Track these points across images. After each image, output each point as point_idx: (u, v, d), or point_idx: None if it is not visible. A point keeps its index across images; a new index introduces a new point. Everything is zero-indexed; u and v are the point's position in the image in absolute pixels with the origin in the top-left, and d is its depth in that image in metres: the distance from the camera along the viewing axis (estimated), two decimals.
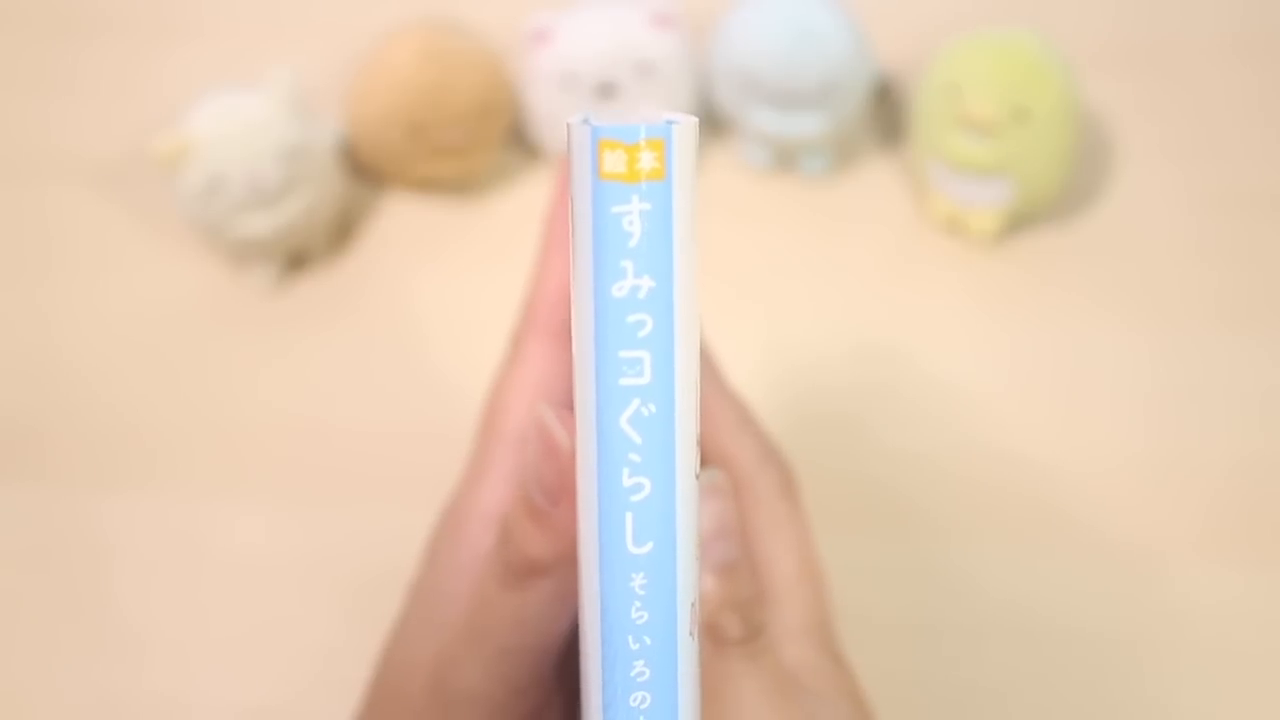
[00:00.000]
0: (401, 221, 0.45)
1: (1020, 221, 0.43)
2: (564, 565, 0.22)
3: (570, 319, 0.19)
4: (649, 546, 0.18)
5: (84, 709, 0.36)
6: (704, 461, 0.25)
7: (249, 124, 0.40)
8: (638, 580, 0.18)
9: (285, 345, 0.43)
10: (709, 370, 0.26)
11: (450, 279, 0.44)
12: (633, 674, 0.18)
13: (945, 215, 0.43)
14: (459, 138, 0.43)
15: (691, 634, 0.19)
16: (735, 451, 0.26)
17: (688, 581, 0.19)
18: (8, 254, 0.45)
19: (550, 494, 0.21)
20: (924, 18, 0.48)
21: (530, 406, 0.25)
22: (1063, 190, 0.43)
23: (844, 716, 0.24)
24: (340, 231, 0.45)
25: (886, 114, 0.46)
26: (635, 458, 0.18)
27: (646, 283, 0.17)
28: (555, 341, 0.26)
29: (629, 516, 0.18)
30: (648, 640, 0.18)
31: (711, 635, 0.22)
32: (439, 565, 0.26)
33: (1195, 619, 0.37)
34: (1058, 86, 0.41)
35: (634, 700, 0.19)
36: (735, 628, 0.23)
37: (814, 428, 0.39)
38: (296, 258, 0.44)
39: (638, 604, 0.18)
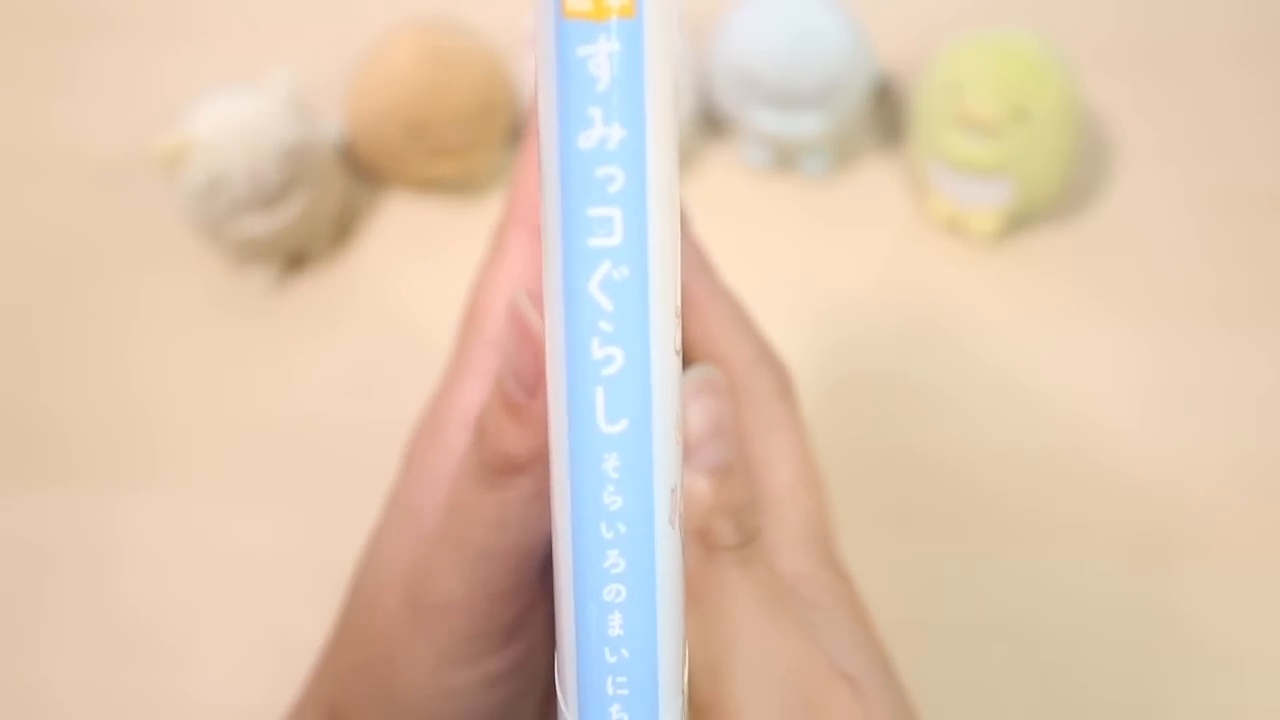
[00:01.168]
0: (401, 221, 0.45)
1: (1020, 221, 0.43)
2: (543, 461, 0.19)
3: None
4: (622, 425, 0.16)
5: (84, 709, 0.36)
6: (695, 362, 0.23)
7: (249, 124, 0.40)
8: (610, 462, 0.17)
9: (285, 345, 0.43)
10: (699, 265, 0.25)
11: (450, 279, 0.44)
12: (606, 565, 0.17)
13: (945, 215, 0.43)
14: (459, 137, 0.43)
15: (672, 523, 0.17)
16: (728, 350, 0.24)
17: (666, 464, 0.17)
18: (8, 254, 0.45)
19: (526, 385, 0.20)
20: (924, 18, 0.48)
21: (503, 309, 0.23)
22: (1063, 190, 0.43)
23: (843, 629, 0.23)
24: (340, 231, 0.45)
25: (886, 114, 0.46)
26: (606, 326, 0.16)
27: (616, 132, 0.16)
28: (538, 238, 0.23)
29: (599, 392, 0.16)
30: (622, 528, 0.17)
31: (703, 540, 0.21)
32: (415, 473, 0.25)
33: (1196, 617, 0.37)
34: (1058, 86, 0.41)
35: (608, 593, 0.17)
36: (729, 533, 0.21)
37: (813, 427, 0.39)
38: (296, 258, 0.44)
39: (611, 488, 0.17)
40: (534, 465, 0.21)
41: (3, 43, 0.50)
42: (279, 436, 0.41)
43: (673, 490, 0.17)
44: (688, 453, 0.19)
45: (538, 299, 0.19)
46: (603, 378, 0.16)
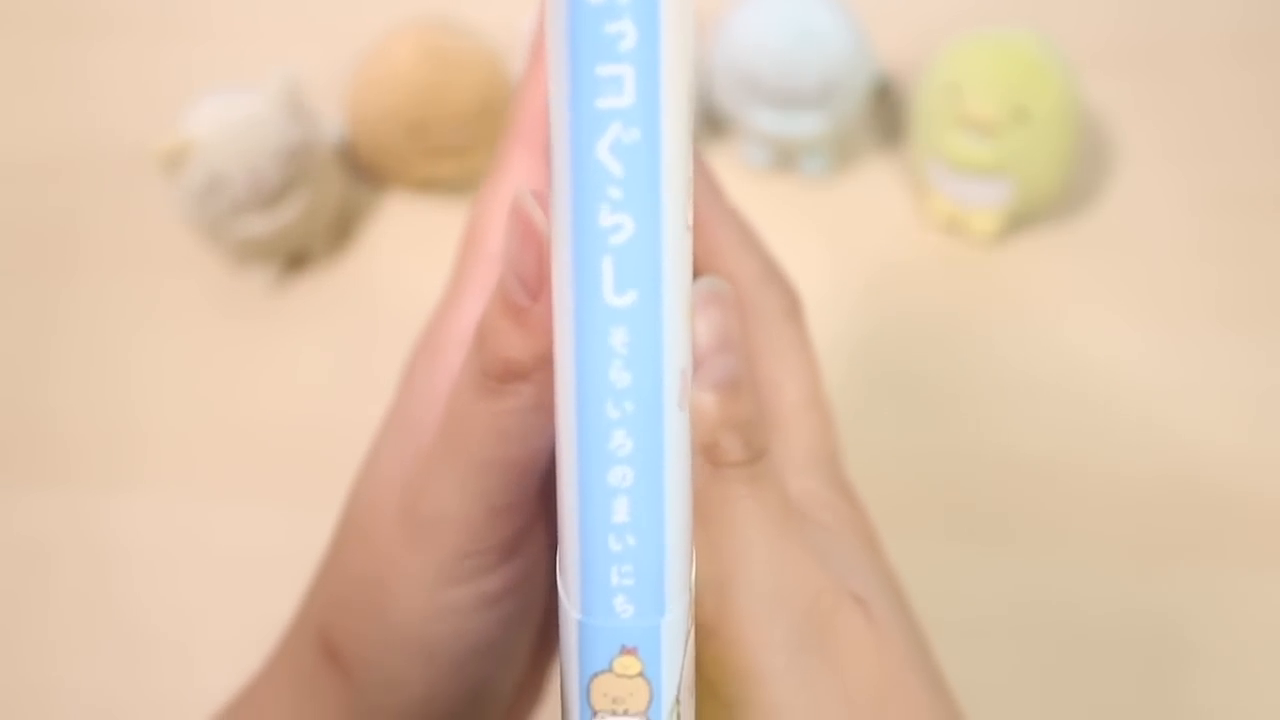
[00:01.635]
0: (401, 221, 0.45)
1: (1020, 221, 0.43)
2: (544, 367, 0.19)
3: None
4: (631, 297, 0.16)
5: (84, 709, 0.36)
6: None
7: (249, 124, 0.40)
8: (618, 336, 0.16)
9: (285, 345, 0.43)
10: (706, 183, 0.24)
11: None
12: (612, 446, 0.16)
13: (945, 215, 0.43)
14: (459, 137, 0.43)
15: (681, 406, 0.16)
16: (735, 269, 0.23)
17: (677, 342, 0.16)
18: (8, 253, 0.45)
19: (529, 286, 0.19)
20: (924, 18, 0.47)
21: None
22: (1063, 190, 0.43)
23: (851, 551, 0.22)
24: (340, 231, 0.45)
25: (886, 114, 0.46)
26: (615, 193, 0.15)
27: None
28: (542, 157, 0.23)
29: (607, 261, 0.15)
30: (629, 407, 0.16)
31: (710, 456, 0.20)
32: (413, 392, 0.24)
33: (1196, 616, 0.37)
34: (1058, 86, 0.41)
35: (614, 477, 0.16)
36: (736, 449, 0.20)
37: None
38: (296, 258, 0.44)
39: (618, 364, 0.16)
40: (535, 372, 0.20)
41: (3, 43, 0.50)
42: (279, 436, 0.41)
43: (683, 372, 0.16)
44: (694, 367, 0.19)
45: (543, 202, 0.18)
46: (611, 247, 0.15)
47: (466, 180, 0.45)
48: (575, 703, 0.17)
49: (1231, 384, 0.41)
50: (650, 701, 0.17)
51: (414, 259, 0.44)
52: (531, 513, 0.22)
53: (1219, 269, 0.43)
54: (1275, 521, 0.38)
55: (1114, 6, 0.49)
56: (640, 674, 0.17)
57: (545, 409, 0.19)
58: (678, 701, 0.17)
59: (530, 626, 0.25)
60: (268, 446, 0.40)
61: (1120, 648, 0.36)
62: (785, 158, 0.45)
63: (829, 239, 0.44)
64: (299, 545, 0.38)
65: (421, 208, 0.45)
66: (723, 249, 0.24)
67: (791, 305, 0.24)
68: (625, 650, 0.17)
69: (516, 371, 0.20)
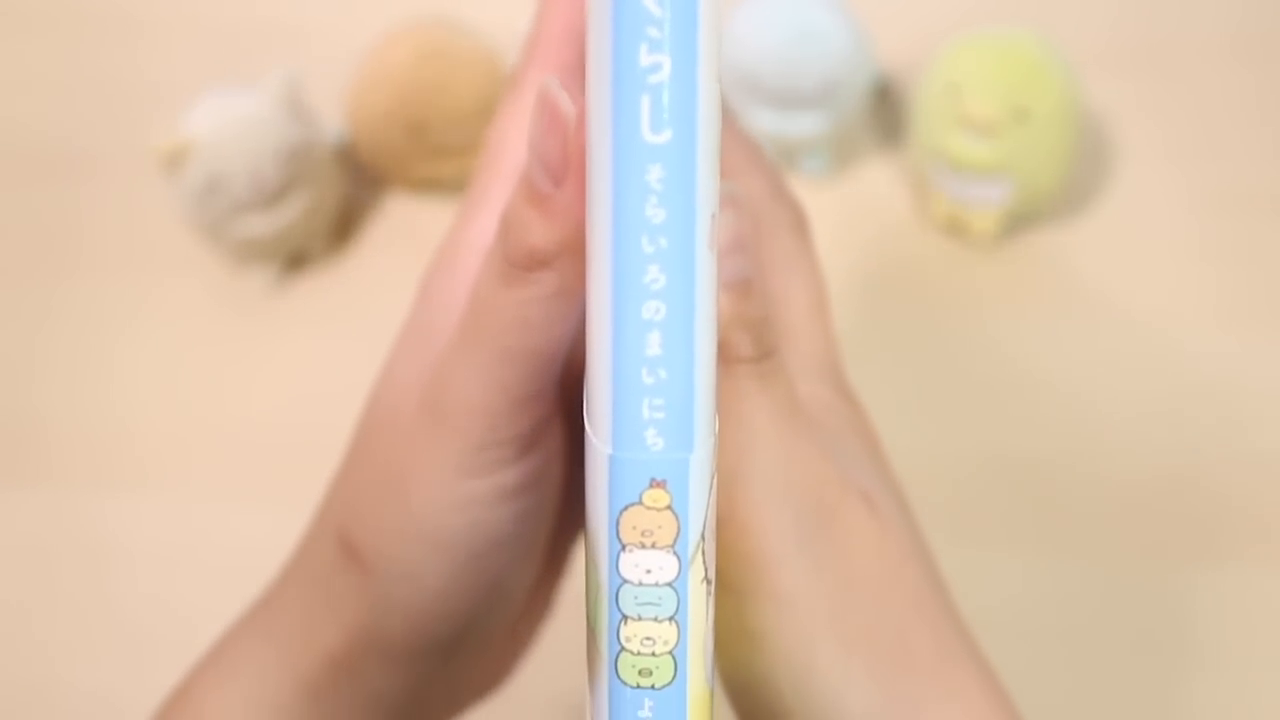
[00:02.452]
0: (401, 221, 0.45)
1: (1020, 221, 0.43)
2: (568, 255, 0.20)
3: (576, 55, 0.19)
4: (667, 135, 0.16)
5: (83, 709, 0.36)
6: None
7: (249, 124, 0.40)
8: (654, 173, 0.16)
9: (285, 345, 0.43)
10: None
11: None
12: (646, 280, 0.17)
13: (945, 215, 0.43)
14: (459, 137, 0.43)
15: (710, 248, 0.17)
16: (746, 185, 0.24)
17: (709, 184, 0.17)
18: (7, 254, 0.45)
19: (554, 172, 0.19)
20: (924, 18, 0.48)
21: (522, 145, 0.22)
22: (1063, 190, 0.43)
23: (856, 450, 0.23)
24: (340, 231, 0.45)
25: (886, 114, 0.46)
26: (654, 33, 0.16)
27: None
28: (560, 76, 0.23)
29: (645, 100, 0.16)
30: (663, 242, 0.17)
31: (722, 354, 0.20)
32: (430, 300, 0.25)
33: (1197, 616, 0.37)
34: (1058, 86, 0.41)
35: (647, 310, 0.17)
36: (746, 345, 0.21)
37: None
38: (296, 258, 0.44)
39: (653, 200, 0.16)
40: (559, 259, 0.20)
41: (4, 43, 0.50)
42: (279, 436, 0.41)
43: (712, 216, 0.17)
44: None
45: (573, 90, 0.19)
46: (649, 85, 0.16)
47: (466, 180, 0.45)
48: (604, 539, 0.17)
49: (1231, 384, 0.41)
50: (677, 535, 0.17)
51: (414, 259, 0.44)
52: (550, 405, 0.23)
53: (1218, 269, 0.43)
54: (1275, 521, 0.38)
55: (1114, 6, 0.49)
56: (669, 507, 0.17)
57: (567, 296, 0.20)
58: (703, 538, 0.18)
59: (544, 526, 0.25)
60: (268, 446, 0.40)
61: (1120, 647, 0.36)
62: (785, 158, 0.45)
63: (829, 239, 0.44)
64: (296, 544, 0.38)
65: (421, 208, 0.45)
66: (733, 164, 0.24)
67: (798, 220, 0.25)
68: (655, 483, 0.17)
69: (540, 259, 0.20)
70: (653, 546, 0.17)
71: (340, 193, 0.44)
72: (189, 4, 0.51)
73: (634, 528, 0.17)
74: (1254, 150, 0.45)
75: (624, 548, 0.17)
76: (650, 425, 0.17)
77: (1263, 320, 0.42)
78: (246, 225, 0.41)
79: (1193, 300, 0.42)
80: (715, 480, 0.18)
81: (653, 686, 0.18)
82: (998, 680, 0.23)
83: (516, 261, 0.20)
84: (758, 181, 0.24)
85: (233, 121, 0.40)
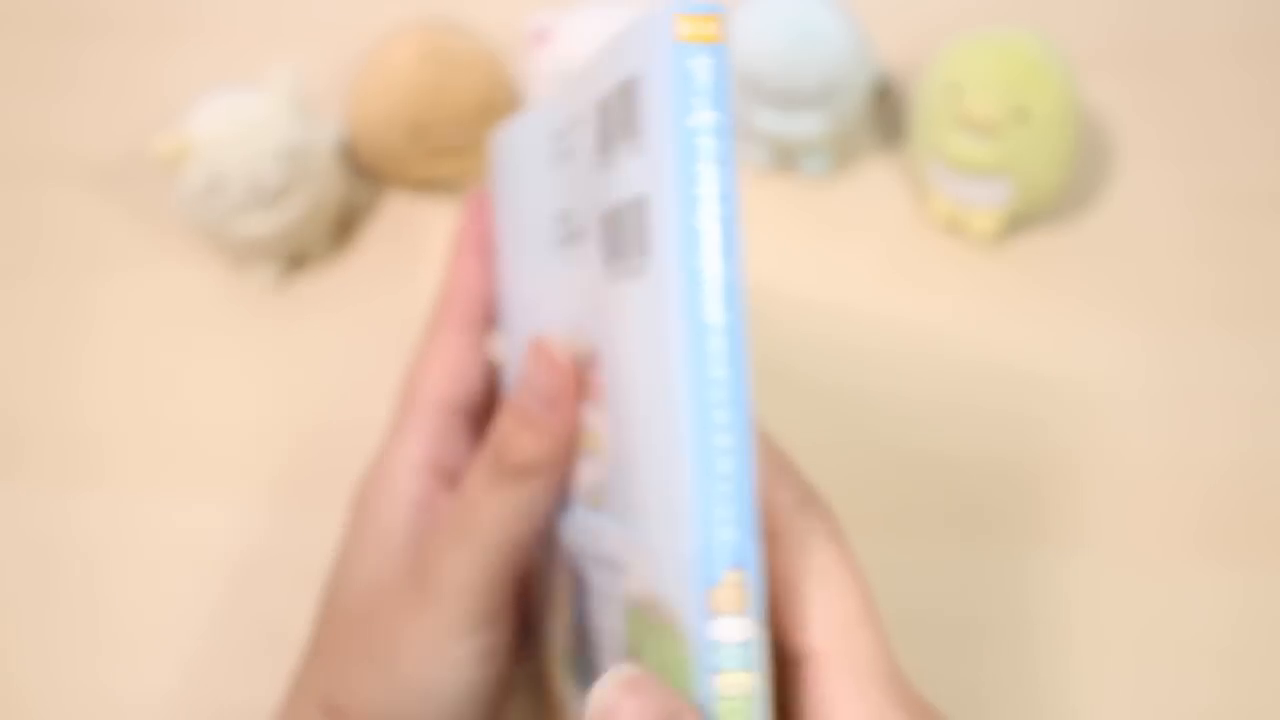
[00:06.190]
0: (401, 221, 0.45)
1: (1020, 221, 0.43)
2: (556, 463, 0.26)
3: (484, 315, 0.30)
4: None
5: (78, 707, 0.36)
6: None
7: (249, 124, 0.40)
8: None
9: (285, 345, 0.43)
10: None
11: None
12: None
13: (945, 215, 0.43)
14: (459, 138, 0.43)
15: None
16: (772, 496, 0.25)
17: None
18: (7, 254, 0.45)
19: (548, 401, 0.25)
20: (924, 18, 0.48)
21: (436, 386, 0.31)
22: (1063, 190, 0.43)
23: None
24: (340, 231, 0.45)
25: (886, 114, 0.46)
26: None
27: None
28: (469, 331, 0.32)
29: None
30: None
31: None
32: (368, 509, 0.30)
33: (1191, 619, 0.37)
34: (1058, 86, 0.41)
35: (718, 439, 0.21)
36: None
37: (811, 427, 0.39)
38: (296, 257, 0.44)
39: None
40: (546, 468, 0.26)
41: (3, 43, 0.50)
42: (279, 435, 0.41)
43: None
44: None
45: (466, 381, 0.31)
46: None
47: (466, 180, 0.45)
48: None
49: (1229, 384, 0.41)
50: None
51: (414, 259, 0.44)
52: (525, 580, 0.27)
53: (1217, 269, 0.43)
54: (1274, 521, 0.38)
55: (1114, 6, 0.49)
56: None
57: (552, 487, 0.26)
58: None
59: (503, 686, 0.29)
60: (268, 446, 0.40)
61: (1120, 647, 0.36)
62: (785, 158, 0.45)
63: (829, 239, 0.44)
64: (299, 544, 0.38)
65: (421, 208, 0.45)
66: (763, 478, 0.25)
67: (832, 530, 0.25)
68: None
69: (531, 470, 0.26)
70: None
71: (340, 193, 0.44)
72: (189, 4, 0.51)
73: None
74: (1254, 150, 0.45)
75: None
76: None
77: (1262, 320, 0.42)
78: (247, 225, 0.41)
79: (1192, 300, 0.42)
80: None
81: None
82: None
83: (507, 471, 0.26)
84: (786, 493, 0.25)
85: (233, 122, 0.40)
